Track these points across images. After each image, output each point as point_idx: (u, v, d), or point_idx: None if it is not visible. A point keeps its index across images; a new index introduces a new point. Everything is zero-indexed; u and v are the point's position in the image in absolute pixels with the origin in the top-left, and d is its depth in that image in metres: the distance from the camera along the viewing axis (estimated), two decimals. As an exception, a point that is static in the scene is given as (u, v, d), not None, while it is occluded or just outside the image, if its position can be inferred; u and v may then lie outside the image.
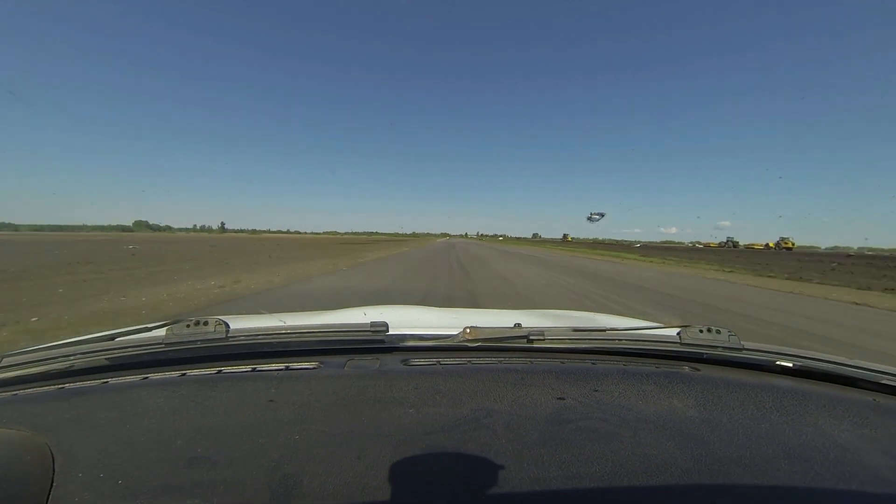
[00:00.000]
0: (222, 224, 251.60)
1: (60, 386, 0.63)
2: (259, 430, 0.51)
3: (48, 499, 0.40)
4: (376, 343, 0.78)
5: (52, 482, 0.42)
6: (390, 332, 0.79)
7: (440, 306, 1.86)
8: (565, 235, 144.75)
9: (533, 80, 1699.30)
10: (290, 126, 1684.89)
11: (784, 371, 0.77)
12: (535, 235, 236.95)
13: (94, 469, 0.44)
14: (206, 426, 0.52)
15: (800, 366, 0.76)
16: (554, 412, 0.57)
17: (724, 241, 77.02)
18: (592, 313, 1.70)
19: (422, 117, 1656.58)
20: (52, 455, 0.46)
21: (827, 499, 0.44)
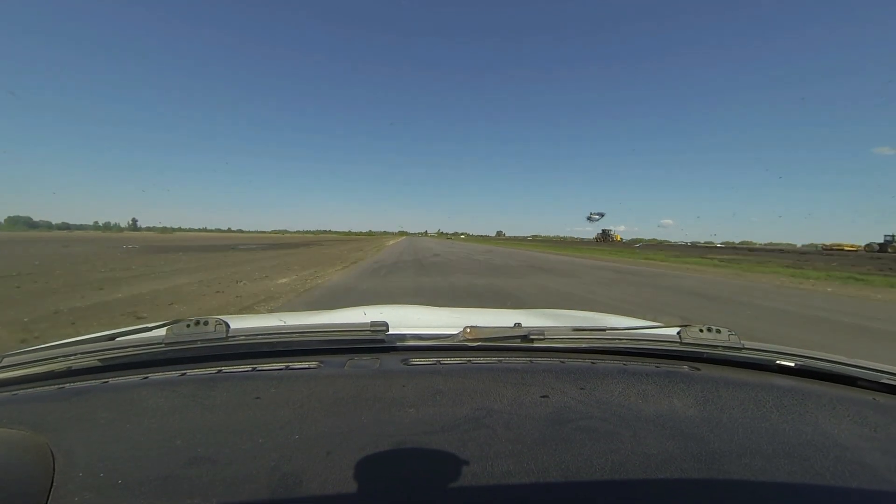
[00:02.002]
0: (133, 221, 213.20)
1: (61, 386, 0.64)
2: (259, 430, 0.51)
3: (48, 498, 0.41)
4: (376, 343, 0.77)
5: (53, 482, 0.43)
6: (390, 332, 0.79)
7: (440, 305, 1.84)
8: (605, 232, 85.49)
9: (498, 74, 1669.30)
10: (228, 113, 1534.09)
11: (784, 370, 0.79)
12: (498, 233, 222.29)
13: (94, 468, 0.44)
14: (206, 426, 0.53)
15: (800, 365, 0.77)
16: (554, 411, 0.58)
17: (883, 241, 46.81)
18: (592, 313, 1.72)
19: (382, 109, 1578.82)
20: (52, 455, 0.46)
21: (827, 498, 0.45)
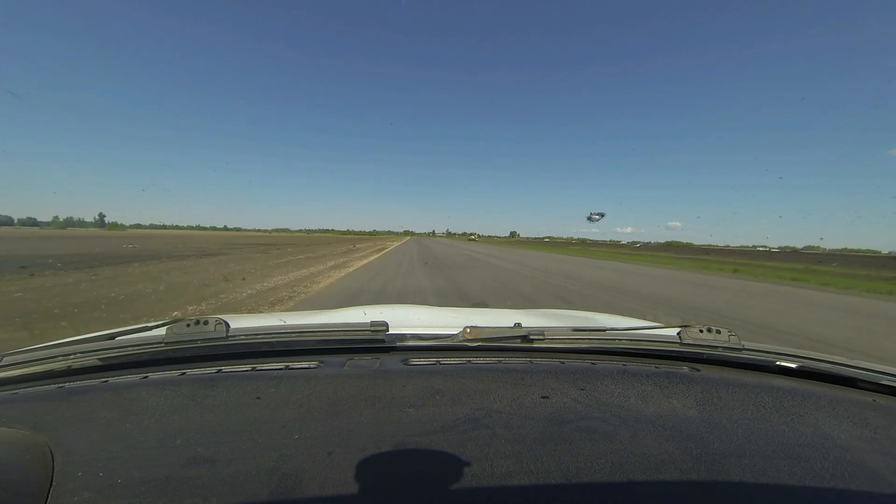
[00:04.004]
0: (100, 216, 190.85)
1: (60, 385, 0.64)
2: (258, 430, 0.52)
3: (48, 497, 0.41)
4: (376, 343, 0.78)
5: (52, 481, 0.43)
6: (390, 332, 0.79)
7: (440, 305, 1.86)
8: None
9: (510, 72, 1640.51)
10: (225, 111, 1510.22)
11: (784, 371, 0.79)
12: (512, 234, 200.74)
13: (93, 468, 0.45)
14: (205, 425, 0.53)
15: (800, 366, 0.78)
16: (553, 412, 0.58)
17: None
18: (592, 313, 1.70)
19: (388, 108, 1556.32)
20: (51, 454, 0.46)
21: (826, 499, 0.45)
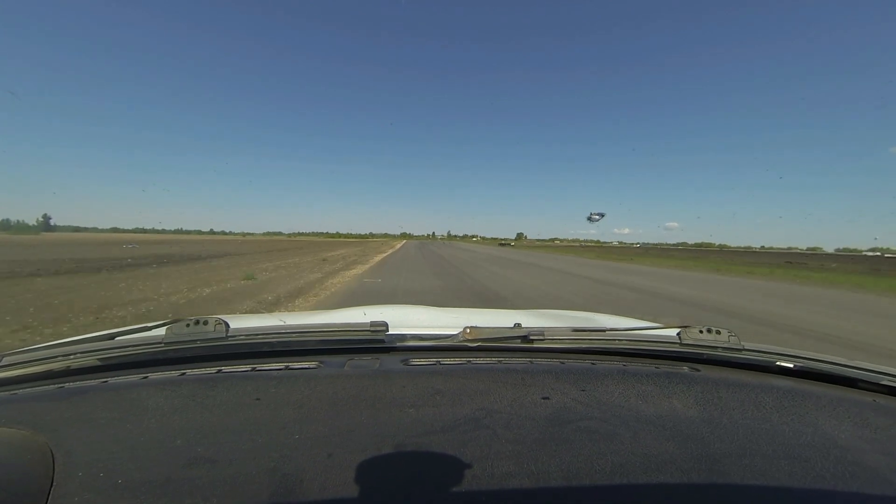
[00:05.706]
0: (45, 217, 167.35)
1: (60, 385, 0.65)
2: (259, 430, 0.52)
3: (48, 498, 0.41)
4: (376, 343, 0.79)
5: (53, 481, 0.43)
6: (390, 332, 0.80)
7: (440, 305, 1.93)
8: None
9: (510, 72, 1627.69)
10: (219, 112, 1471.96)
11: (784, 372, 0.80)
12: (519, 236, 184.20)
13: (94, 468, 0.45)
14: (205, 426, 0.53)
15: (800, 366, 0.79)
16: (554, 412, 0.58)
17: None
18: (592, 313, 1.72)
19: (386, 109, 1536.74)
20: (52, 454, 0.47)
21: (827, 499, 0.46)
